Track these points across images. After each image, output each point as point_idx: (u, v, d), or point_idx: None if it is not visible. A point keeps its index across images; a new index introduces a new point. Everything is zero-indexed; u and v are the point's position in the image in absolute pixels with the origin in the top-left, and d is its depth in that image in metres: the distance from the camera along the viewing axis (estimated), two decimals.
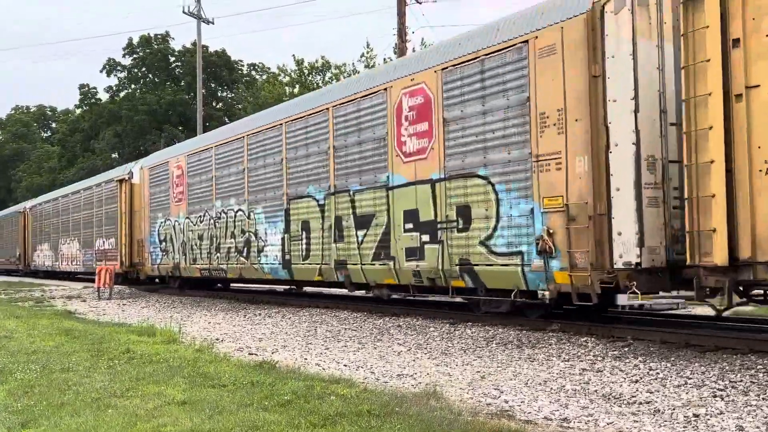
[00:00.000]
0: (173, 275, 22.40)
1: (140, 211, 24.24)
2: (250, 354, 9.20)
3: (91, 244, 29.23)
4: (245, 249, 17.28)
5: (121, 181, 25.75)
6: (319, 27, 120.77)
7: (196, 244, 19.91)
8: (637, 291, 8.78)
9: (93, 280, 30.02)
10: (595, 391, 6.59)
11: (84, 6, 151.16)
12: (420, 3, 25.52)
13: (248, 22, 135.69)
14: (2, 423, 5.60)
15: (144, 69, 61.86)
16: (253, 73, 64.34)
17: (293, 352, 9.46)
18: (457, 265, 11.14)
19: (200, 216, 19.67)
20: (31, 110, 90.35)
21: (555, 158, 9.62)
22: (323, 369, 8.01)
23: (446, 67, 11.45)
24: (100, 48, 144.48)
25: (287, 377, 7.13)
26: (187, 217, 20.43)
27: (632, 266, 8.73)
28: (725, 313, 8.91)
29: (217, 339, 10.85)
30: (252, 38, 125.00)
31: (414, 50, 30.26)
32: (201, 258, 19.66)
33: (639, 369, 7.46)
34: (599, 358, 8.14)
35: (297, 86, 42.94)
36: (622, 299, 11.87)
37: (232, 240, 17.91)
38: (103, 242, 27.54)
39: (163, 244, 22.08)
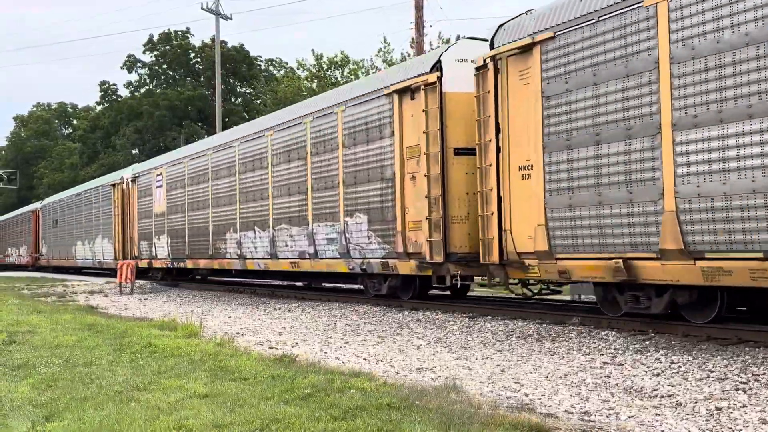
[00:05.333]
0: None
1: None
2: (270, 348, 9.23)
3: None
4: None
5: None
6: (331, 24, 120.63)
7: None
8: None
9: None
10: (616, 384, 6.56)
11: (102, 7, 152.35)
12: None
13: (260, 19, 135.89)
14: (26, 416, 5.67)
15: (164, 65, 62.17)
16: (271, 68, 64.42)
17: (313, 345, 9.49)
18: None
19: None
20: (52, 107, 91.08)
21: None
22: (343, 363, 8.03)
23: None
24: (119, 48, 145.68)
25: (307, 371, 7.14)
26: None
27: None
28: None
29: (238, 333, 10.90)
30: (264, 36, 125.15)
31: (431, 45, 30.12)
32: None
33: (660, 362, 7.41)
34: (620, 352, 8.09)
35: (315, 81, 42.84)
36: None
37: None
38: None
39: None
